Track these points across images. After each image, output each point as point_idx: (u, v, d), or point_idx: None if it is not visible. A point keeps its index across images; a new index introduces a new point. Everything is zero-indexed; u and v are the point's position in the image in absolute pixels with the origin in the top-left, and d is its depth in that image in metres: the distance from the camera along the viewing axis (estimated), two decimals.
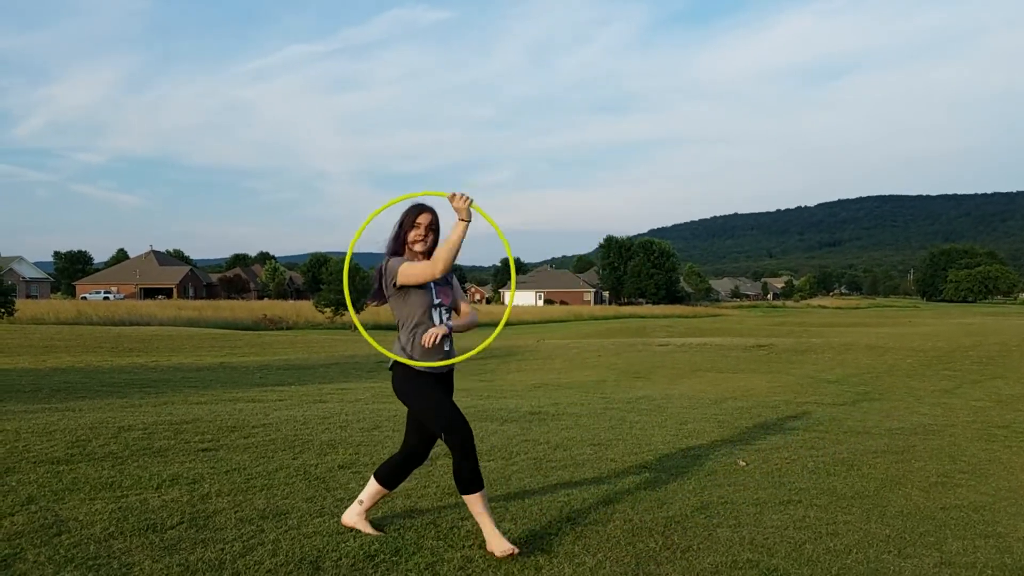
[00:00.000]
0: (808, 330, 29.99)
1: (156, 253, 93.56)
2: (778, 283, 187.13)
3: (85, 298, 69.60)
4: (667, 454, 5.70)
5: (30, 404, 7.73)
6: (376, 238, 3.54)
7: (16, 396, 8.56)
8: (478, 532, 3.53)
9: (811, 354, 15.43)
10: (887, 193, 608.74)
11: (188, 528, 3.55)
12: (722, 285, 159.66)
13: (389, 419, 6.89)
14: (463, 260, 3.57)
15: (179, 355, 18.08)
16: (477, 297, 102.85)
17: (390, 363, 3.51)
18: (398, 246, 3.48)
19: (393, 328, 4.15)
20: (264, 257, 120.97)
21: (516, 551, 3.31)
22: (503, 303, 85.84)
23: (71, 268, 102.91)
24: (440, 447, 4.85)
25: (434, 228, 3.49)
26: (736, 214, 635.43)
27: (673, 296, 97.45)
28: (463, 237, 3.23)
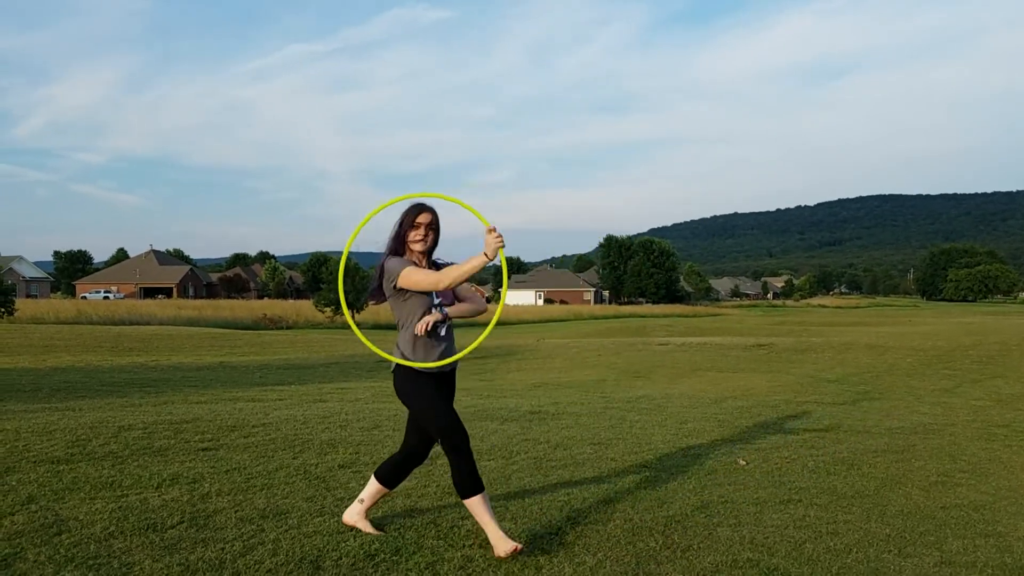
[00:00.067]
0: (808, 329, 30.01)
1: (156, 253, 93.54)
2: (778, 282, 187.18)
3: (85, 297, 69.60)
4: (667, 453, 5.70)
5: (30, 404, 7.73)
6: (375, 238, 3.54)
7: (16, 396, 8.56)
8: (478, 531, 3.53)
9: (811, 353, 15.43)
10: (887, 193, 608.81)
11: (188, 527, 3.55)
12: (722, 284, 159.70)
13: (389, 418, 6.89)
14: (463, 260, 3.55)
15: (179, 354, 18.08)
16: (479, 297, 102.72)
17: (393, 363, 3.50)
18: (398, 245, 3.47)
19: (393, 328, 4.15)
20: (264, 257, 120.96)
21: (519, 547, 3.29)
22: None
23: (71, 268, 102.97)
24: (440, 446, 4.85)
25: (434, 228, 3.48)
26: (736, 213, 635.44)
27: (673, 295, 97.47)
28: (476, 271, 3.14)
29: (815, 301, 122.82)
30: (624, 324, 41.56)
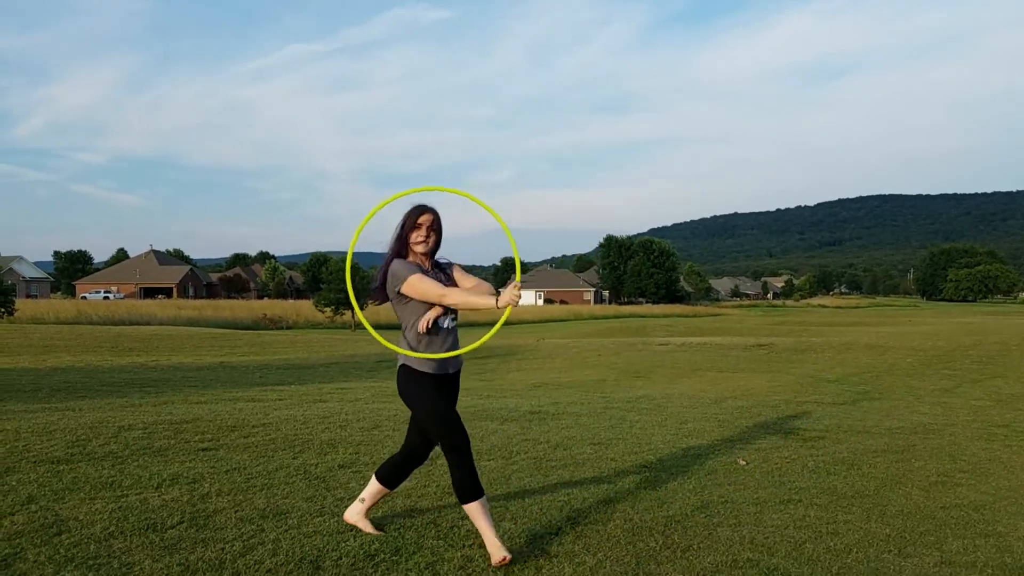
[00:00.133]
0: (808, 329, 30.02)
1: (156, 253, 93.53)
2: (778, 282, 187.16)
3: (85, 298, 69.61)
4: (667, 453, 5.70)
5: (30, 404, 7.73)
6: (378, 238, 3.53)
7: (16, 396, 8.56)
8: (478, 532, 3.53)
9: (811, 353, 15.43)
10: (887, 192, 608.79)
11: (188, 527, 3.54)
12: (722, 284, 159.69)
13: (389, 418, 6.89)
14: (463, 259, 3.55)
15: (179, 354, 18.08)
16: None
17: (398, 363, 3.49)
18: (400, 246, 3.47)
19: (394, 327, 4.14)
20: (264, 257, 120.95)
21: (508, 558, 3.22)
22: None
23: (71, 268, 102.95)
24: (440, 447, 4.85)
25: (436, 229, 3.48)
26: (736, 213, 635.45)
27: (673, 295, 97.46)
28: (480, 308, 3.23)
29: (815, 301, 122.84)
30: (624, 324, 41.57)
